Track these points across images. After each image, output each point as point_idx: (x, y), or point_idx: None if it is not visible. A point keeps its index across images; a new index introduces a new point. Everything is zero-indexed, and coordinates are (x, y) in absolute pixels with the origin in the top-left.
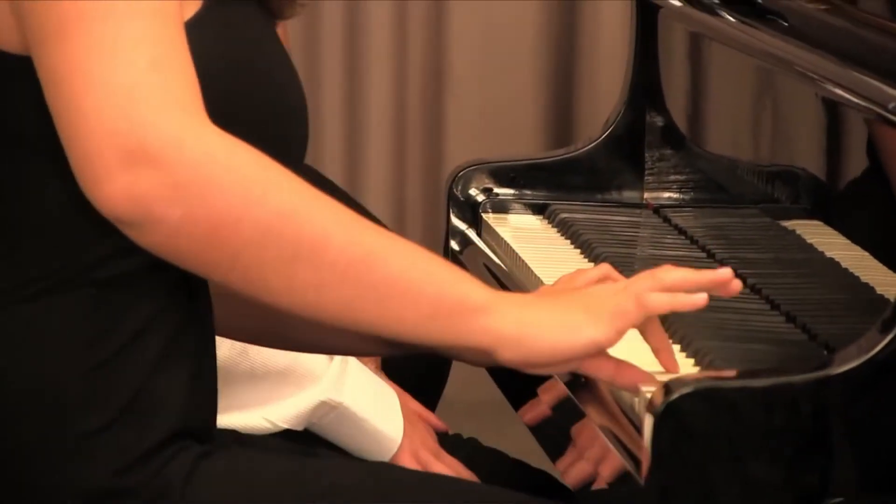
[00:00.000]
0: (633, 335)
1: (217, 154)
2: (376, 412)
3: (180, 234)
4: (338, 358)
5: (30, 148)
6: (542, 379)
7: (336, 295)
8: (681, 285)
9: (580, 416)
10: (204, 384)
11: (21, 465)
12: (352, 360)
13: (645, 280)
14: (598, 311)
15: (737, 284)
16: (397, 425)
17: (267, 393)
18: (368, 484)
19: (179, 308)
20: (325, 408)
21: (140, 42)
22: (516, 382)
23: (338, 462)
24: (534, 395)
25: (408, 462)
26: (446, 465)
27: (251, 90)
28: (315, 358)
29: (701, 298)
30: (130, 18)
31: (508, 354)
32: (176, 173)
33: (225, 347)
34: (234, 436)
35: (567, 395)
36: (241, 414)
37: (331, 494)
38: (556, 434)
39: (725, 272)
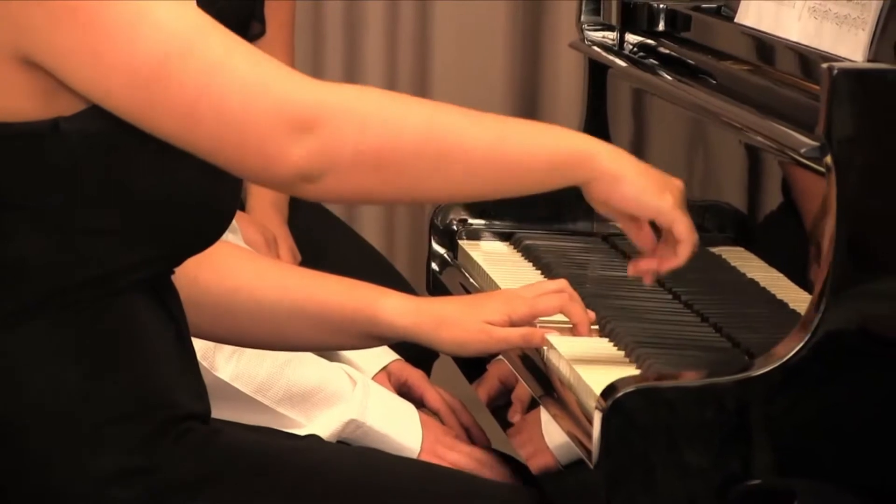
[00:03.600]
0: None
1: (351, 100)
2: (397, 428)
3: (354, 168)
4: (360, 382)
5: (4, 204)
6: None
7: (483, 178)
8: None
9: (538, 412)
10: (189, 373)
11: (40, 465)
12: (372, 382)
13: None
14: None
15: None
16: (415, 435)
17: (302, 408)
18: (356, 462)
19: (156, 313)
20: (353, 426)
21: (232, 54)
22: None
23: (328, 445)
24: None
25: (428, 460)
26: (459, 454)
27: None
28: (340, 379)
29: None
30: (210, 38)
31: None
32: (334, 125)
33: (266, 366)
34: (239, 424)
35: (530, 397)
36: (287, 432)
37: (326, 469)
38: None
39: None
